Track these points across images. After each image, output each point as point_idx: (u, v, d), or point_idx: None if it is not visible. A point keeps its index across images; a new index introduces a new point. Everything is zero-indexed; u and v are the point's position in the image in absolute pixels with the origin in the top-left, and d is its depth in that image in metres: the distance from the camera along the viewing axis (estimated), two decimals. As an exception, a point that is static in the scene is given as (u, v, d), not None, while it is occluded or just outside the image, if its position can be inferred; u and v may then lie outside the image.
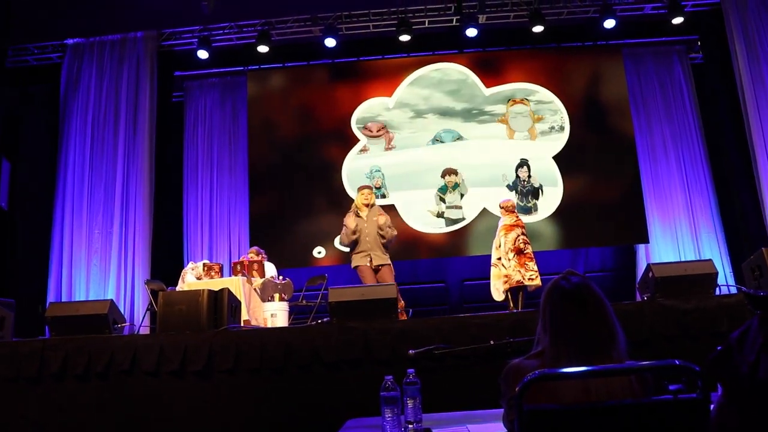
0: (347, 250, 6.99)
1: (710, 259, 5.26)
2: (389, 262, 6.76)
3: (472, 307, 9.01)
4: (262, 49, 9.33)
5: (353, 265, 6.77)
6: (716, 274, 4.92)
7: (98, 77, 9.32)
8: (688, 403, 1.47)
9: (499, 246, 7.23)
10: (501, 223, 7.38)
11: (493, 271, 7.28)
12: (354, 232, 6.68)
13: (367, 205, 6.81)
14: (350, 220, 6.75)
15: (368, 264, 6.64)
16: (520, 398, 1.47)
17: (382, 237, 6.68)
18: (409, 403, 2.44)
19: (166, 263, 9.15)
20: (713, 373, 1.44)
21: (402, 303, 6.73)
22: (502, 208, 7.48)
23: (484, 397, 3.21)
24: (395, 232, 6.81)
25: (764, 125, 8.52)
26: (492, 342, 4.18)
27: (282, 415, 4.26)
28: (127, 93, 9.24)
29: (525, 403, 1.48)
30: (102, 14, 9.06)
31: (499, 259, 7.20)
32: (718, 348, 1.45)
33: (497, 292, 7.19)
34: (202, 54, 9.40)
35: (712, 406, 1.48)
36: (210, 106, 10.38)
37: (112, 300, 5.10)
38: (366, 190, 6.92)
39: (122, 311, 7.45)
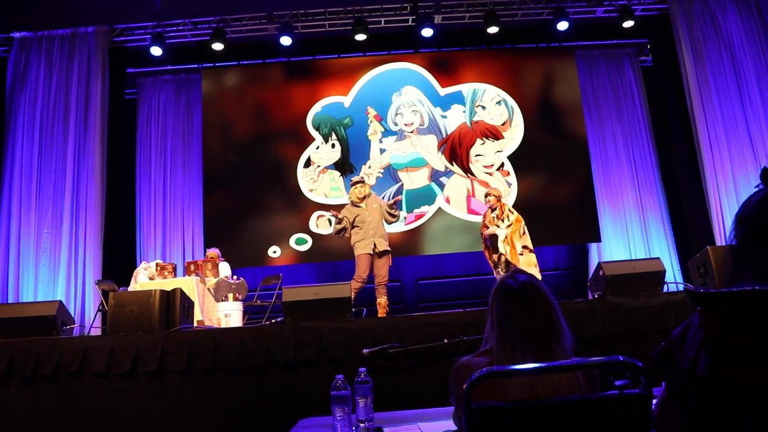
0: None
1: (658, 257, 5.39)
2: (390, 249, 6.95)
3: (427, 306, 9.05)
4: (217, 46, 9.24)
5: (356, 254, 6.90)
6: (664, 271, 5.04)
7: (47, 72, 9.08)
8: (631, 399, 1.51)
9: (524, 233, 7.10)
10: (515, 213, 7.24)
11: (522, 259, 7.01)
12: (339, 222, 6.93)
13: (362, 198, 6.98)
14: (345, 212, 7.01)
15: (371, 251, 6.79)
16: (468, 396, 1.48)
17: (392, 216, 6.97)
18: (361, 402, 2.45)
19: (118, 263, 8.98)
20: (656, 369, 1.47)
21: (386, 301, 6.76)
22: (496, 197, 7.32)
23: (437, 395, 3.23)
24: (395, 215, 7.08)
25: (710, 127, 8.77)
26: (446, 340, 4.22)
27: (235, 416, 4.22)
28: (78, 89, 9.02)
29: (473, 400, 1.49)
30: (51, 7, 8.85)
31: (525, 247, 7.06)
32: (662, 344, 1.48)
33: None
34: (156, 51, 9.25)
35: (654, 401, 1.52)
36: (164, 103, 10.22)
37: (60, 301, 4.99)
38: (359, 185, 7.08)
39: (72, 313, 7.30)
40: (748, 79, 8.80)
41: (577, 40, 10.03)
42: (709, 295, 1.35)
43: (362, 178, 7.45)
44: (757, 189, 1.45)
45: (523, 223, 7.16)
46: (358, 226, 6.90)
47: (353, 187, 7.09)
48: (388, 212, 6.97)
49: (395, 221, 7.18)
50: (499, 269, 7.13)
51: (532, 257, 7.06)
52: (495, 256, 7.21)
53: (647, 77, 10.34)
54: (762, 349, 1.25)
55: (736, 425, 1.27)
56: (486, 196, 7.45)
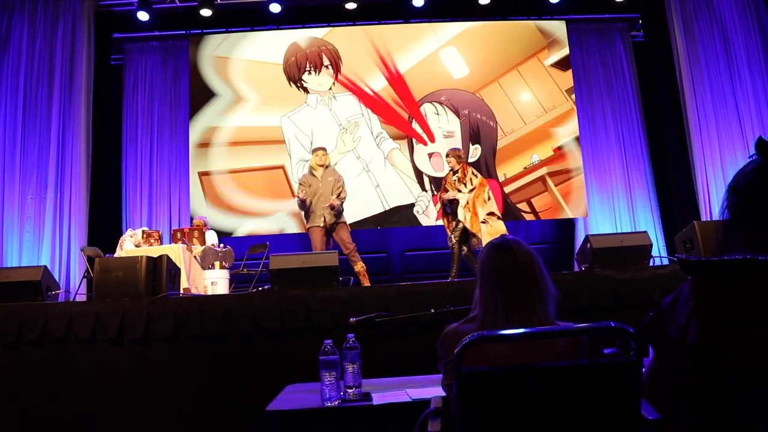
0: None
1: (645, 231, 5.41)
2: (344, 219, 6.86)
3: (413, 277, 9.07)
4: (205, 12, 9.11)
5: (307, 226, 6.85)
6: (651, 245, 5.06)
7: (30, 36, 8.87)
8: (622, 365, 1.51)
9: (489, 199, 6.57)
10: (479, 176, 6.75)
11: (486, 228, 6.40)
12: (303, 191, 6.77)
13: (321, 166, 6.85)
14: (304, 180, 6.90)
15: (322, 224, 6.69)
16: (459, 361, 1.48)
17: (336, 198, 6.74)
18: (349, 367, 2.45)
19: (104, 230, 8.90)
20: (646, 337, 1.48)
21: (363, 266, 6.75)
22: (457, 157, 6.78)
23: (423, 364, 3.24)
24: (339, 200, 6.79)
25: (699, 104, 8.75)
26: (432, 310, 4.22)
27: (222, 383, 4.22)
28: (63, 54, 8.84)
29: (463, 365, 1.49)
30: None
31: (492, 214, 6.50)
32: (651, 313, 1.48)
33: None
34: (143, 16, 9.11)
35: (643, 370, 1.53)
36: (150, 69, 10.07)
37: (45, 266, 4.94)
38: (320, 151, 6.96)
39: (57, 280, 7.25)
40: (739, 57, 8.75)
41: (569, 14, 9.95)
42: (701, 263, 1.34)
43: (324, 147, 7.25)
44: (750, 159, 1.44)
45: (488, 187, 6.69)
46: (305, 197, 6.80)
47: (314, 153, 6.99)
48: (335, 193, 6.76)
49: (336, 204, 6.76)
50: (454, 238, 6.63)
51: (501, 225, 6.53)
52: (453, 224, 6.69)
53: (638, 52, 10.31)
54: (750, 313, 1.25)
55: (723, 389, 1.27)
56: (447, 156, 6.87)
